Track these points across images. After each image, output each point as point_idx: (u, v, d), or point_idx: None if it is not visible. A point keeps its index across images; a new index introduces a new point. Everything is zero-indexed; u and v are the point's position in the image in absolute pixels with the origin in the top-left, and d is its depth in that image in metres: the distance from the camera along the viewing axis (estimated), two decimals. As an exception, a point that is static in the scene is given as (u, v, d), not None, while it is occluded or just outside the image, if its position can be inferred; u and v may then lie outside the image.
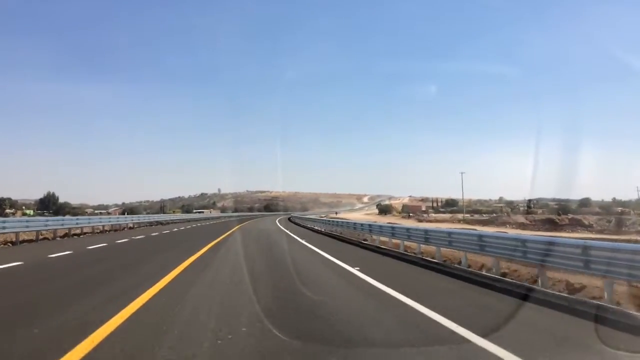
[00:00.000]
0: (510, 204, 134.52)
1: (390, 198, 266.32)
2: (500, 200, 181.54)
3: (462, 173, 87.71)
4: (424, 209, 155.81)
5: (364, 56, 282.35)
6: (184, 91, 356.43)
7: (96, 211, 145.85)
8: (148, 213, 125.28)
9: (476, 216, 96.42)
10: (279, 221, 53.94)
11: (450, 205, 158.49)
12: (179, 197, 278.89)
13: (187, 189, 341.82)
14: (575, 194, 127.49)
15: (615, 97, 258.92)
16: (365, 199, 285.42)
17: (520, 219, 64.42)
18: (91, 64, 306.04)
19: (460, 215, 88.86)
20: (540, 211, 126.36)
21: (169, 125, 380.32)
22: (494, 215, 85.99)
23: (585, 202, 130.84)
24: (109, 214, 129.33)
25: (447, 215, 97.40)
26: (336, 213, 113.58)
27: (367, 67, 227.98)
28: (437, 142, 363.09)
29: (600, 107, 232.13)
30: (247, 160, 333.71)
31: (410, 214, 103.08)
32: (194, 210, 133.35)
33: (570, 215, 69.23)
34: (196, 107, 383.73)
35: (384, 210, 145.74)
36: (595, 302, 6.82)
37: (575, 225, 63.50)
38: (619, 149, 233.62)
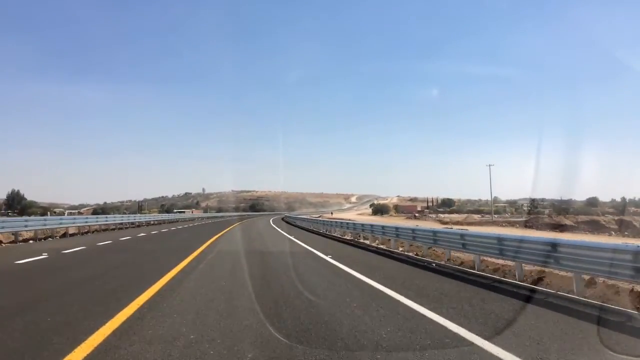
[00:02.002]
0: (514, 204, 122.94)
1: (377, 198, 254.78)
2: (496, 200, 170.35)
3: (489, 165, 73.16)
4: (419, 208, 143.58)
5: (353, 57, 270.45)
6: (169, 92, 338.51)
7: (67, 211, 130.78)
8: (125, 213, 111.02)
9: (487, 217, 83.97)
10: (277, 225, 39.96)
11: (446, 205, 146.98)
12: (163, 196, 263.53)
13: (172, 189, 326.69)
14: (572, 195, 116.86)
15: (616, 97, 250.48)
16: (353, 199, 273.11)
17: (563, 220, 52.09)
18: (81, 63, 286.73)
19: (476, 216, 76.20)
20: (546, 211, 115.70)
21: (154, 125, 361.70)
22: (518, 216, 73.20)
23: (593, 202, 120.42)
24: (80, 213, 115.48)
25: (458, 216, 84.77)
26: (331, 213, 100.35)
27: (356, 67, 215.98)
28: (425, 143, 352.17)
29: (602, 108, 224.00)
30: (233, 160, 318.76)
31: (416, 215, 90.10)
32: (175, 211, 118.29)
33: (616, 217, 57.24)
34: (182, 107, 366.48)
35: (380, 210, 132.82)
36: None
37: (628, 227, 51.66)
38: (619, 149, 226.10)
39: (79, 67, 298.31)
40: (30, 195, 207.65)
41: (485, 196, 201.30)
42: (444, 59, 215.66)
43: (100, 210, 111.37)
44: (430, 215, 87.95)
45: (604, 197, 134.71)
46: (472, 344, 4.53)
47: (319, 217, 69.48)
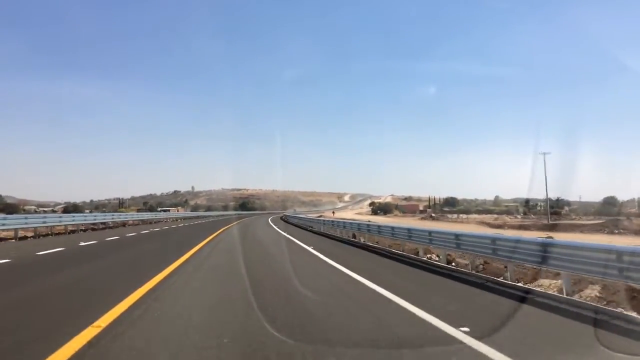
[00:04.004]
0: (526, 204, 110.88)
1: (370, 197, 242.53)
2: (497, 199, 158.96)
3: (544, 154, 58.11)
4: (421, 208, 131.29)
5: (345, 55, 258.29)
6: (161, 90, 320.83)
7: (39, 208, 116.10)
8: (103, 211, 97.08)
9: (510, 217, 71.55)
10: (297, 236, 22.15)
11: (450, 204, 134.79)
12: (151, 194, 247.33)
13: (161, 187, 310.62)
14: (570, 195, 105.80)
15: (615, 97, 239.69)
16: (346, 198, 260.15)
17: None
18: (74, 60, 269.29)
19: (507, 218, 63.42)
20: (564, 210, 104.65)
21: (146, 123, 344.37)
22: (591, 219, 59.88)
23: (611, 202, 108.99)
24: (54, 211, 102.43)
25: (478, 216, 72.14)
26: (333, 212, 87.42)
27: (348, 66, 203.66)
28: (419, 142, 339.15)
29: (600, 107, 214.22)
30: (223, 158, 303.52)
31: (433, 215, 77.18)
32: (159, 209, 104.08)
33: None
34: (175, 105, 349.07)
35: (382, 209, 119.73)
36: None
37: None
38: (617, 149, 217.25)
39: (73, 64, 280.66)
40: (20, 194, 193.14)
41: (482, 195, 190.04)
42: (439, 57, 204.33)
43: (72, 207, 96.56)
44: (447, 215, 74.78)
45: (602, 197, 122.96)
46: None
47: (319, 216, 58.49)
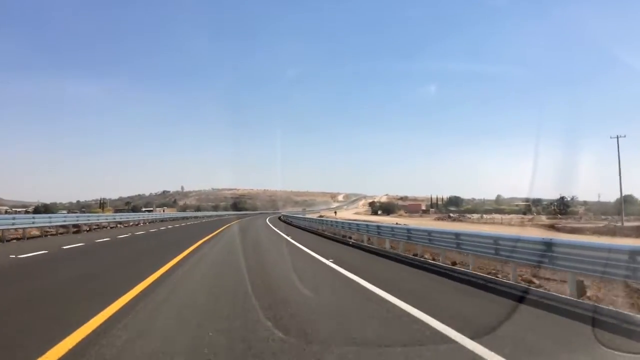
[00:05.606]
0: (538, 203, 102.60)
1: (365, 197, 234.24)
2: (499, 198, 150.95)
3: (617, 137, 49.00)
4: (424, 208, 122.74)
5: (337, 55, 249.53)
6: (152, 90, 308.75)
7: (12, 209, 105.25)
8: (84, 211, 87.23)
9: (544, 218, 63.15)
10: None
11: (454, 204, 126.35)
12: (139, 194, 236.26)
13: (150, 187, 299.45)
14: (571, 194, 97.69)
15: (615, 95, 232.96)
16: (340, 197, 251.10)
17: None
18: (67, 59, 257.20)
19: (544, 218, 54.51)
20: (581, 210, 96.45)
21: (138, 122, 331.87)
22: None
23: (627, 199, 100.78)
24: (27, 212, 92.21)
25: (500, 216, 63.43)
26: (335, 213, 78.33)
27: (340, 66, 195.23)
28: (414, 142, 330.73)
29: (601, 106, 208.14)
30: (213, 158, 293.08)
31: (451, 215, 68.05)
32: (143, 209, 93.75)
33: None
34: (164, 104, 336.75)
35: (383, 209, 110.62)
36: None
37: None
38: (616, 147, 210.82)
39: (65, 63, 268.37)
40: (11, 195, 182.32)
41: (479, 194, 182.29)
42: (435, 56, 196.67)
43: (43, 208, 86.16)
44: (468, 216, 65.42)
45: (604, 196, 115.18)
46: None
47: (320, 216, 54.42)
